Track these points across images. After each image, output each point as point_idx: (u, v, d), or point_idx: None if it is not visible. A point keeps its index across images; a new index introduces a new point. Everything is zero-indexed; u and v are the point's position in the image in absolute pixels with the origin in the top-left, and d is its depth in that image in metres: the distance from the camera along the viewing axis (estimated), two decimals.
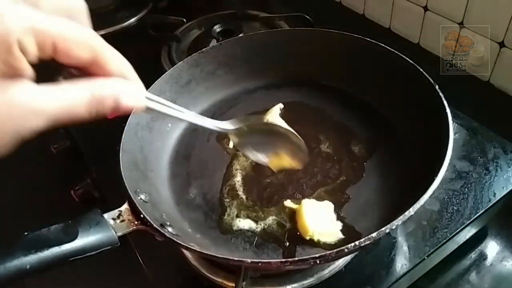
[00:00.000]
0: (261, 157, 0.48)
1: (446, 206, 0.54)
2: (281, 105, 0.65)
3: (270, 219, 0.51)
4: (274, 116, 0.63)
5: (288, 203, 0.51)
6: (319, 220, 0.48)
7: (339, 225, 0.49)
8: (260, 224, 0.51)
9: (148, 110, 0.31)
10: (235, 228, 0.50)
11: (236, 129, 0.43)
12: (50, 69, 0.25)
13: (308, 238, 0.48)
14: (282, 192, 0.54)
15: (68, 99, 0.25)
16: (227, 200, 0.54)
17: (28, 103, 0.23)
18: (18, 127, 0.23)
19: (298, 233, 0.48)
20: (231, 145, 0.61)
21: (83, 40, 0.25)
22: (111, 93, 0.26)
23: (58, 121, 0.25)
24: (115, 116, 0.28)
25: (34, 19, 0.22)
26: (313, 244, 0.47)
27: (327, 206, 0.50)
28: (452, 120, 0.46)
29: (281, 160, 0.49)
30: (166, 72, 0.61)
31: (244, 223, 0.51)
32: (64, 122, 0.25)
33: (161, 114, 0.33)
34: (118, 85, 0.27)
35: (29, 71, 0.23)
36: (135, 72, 0.28)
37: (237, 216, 0.52)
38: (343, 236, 0.47)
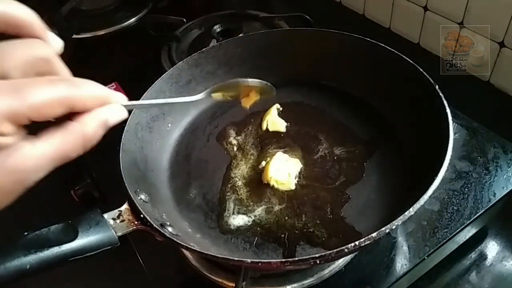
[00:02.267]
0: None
1: (446, 206, 0.54)
2: (277, 105, 0.65)
3: (259, 210, 0.52)
4: (272, 116, 0.63)
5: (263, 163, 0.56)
6: (281, 170, 0.54)
7: (295, 180, 0.54)
8: (251, 217, 0.51)
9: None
10: (232, 227, 0.51)
11: (204, 97, 0.44)
12: None
13: (265, 182, 0.54)
14: None
15: (63, 148, 0.26)
16: (227, 200, 0.54)
17: (26, 166, 0.24)
18: (23, 186, 0.25)
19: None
20: (234, 147, 0.61)
21: (56, 100, 0.25)
22: (99, 124, 0.27)
23: (58, 165, 0.26)
24: None
25: (3, 106, 0.22)
26: (308, 240, 0.48)
27: (295, 164, 0.56)
28: (452, 120, 0.46)
29: (251, 98, 0.50)
30: (166, 72, 0.61)
31: (239, 220, 0.51)
32: (63, 163, 0.26)
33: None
34: (102, 114, 0.28)
35: (15, 138, 0.24)
36: (110, 91, 0.29)
37: (233, 213, 0.52)
38: (293, 188, 0.53)
